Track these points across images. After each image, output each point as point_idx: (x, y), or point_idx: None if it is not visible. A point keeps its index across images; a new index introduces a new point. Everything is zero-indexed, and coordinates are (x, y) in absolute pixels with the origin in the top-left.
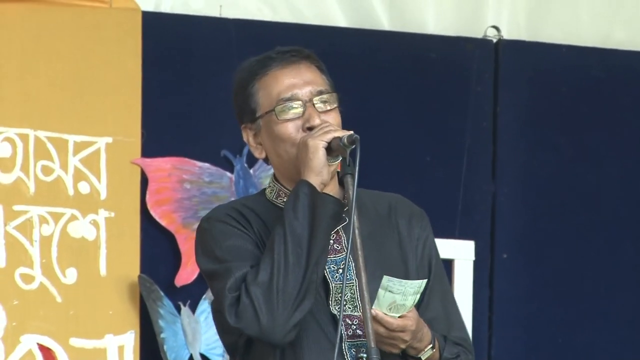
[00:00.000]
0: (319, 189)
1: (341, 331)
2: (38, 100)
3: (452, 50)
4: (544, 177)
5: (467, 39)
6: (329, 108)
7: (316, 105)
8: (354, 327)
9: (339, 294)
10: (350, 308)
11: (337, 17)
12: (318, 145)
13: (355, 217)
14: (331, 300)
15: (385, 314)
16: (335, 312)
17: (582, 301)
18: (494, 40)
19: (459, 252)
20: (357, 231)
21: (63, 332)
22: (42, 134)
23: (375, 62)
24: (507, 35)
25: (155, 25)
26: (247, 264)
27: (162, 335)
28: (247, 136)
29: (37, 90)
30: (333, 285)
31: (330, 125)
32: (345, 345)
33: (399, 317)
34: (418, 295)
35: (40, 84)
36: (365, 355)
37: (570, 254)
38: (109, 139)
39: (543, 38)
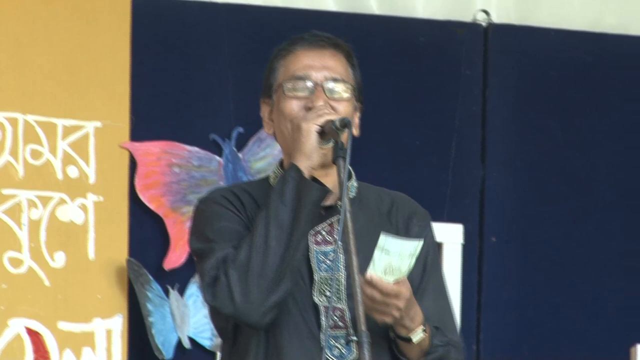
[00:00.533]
0: (308, 172)
1: (322, 321)
2: (28, 85)
3: (442, 34)
4: (533, 161)
5: (457, 23)
6: (340, 97)
7: (326, 90)
8: (336, 318)
9: (322, 284)
10: (334, 300)
11: (327, 1)
12: (310, 129)
13: (346, 200)
14: (315, 290)
15: (381, 279)
16: (318, 302)
17: (571, 285)
18: (484, 25)
19: (448, 235)
20: (348, 215)
21: (51, 315)
22: (31, 118)
23: (364, 46)
24: (496, 19)
25: (145, 10)
26: (230, 244)
27: (150, 319)
28: (264, 111)
29: (26, 75)
30: (318, 276)
31: (326, 108)
32: (324, 336)
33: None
34: (414, 259)
35: (30, 69)
36: (355, 338)
37: (559, 237)
38: (98, 123)
39: (532, 22)
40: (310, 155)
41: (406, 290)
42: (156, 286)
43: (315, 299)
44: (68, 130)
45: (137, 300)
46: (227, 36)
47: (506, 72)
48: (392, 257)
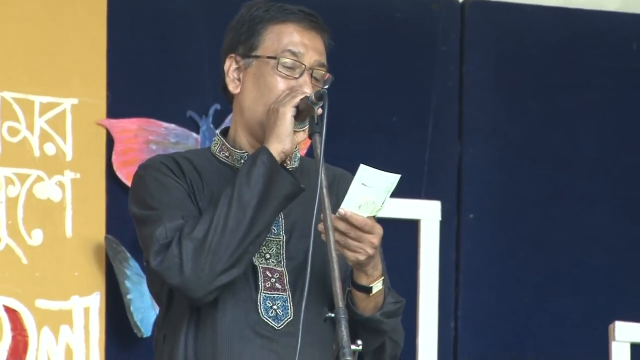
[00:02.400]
0: (279, 157)
1: (260, 282)
2: (4, 61)
3: (418, 10)
4: (510, 136)
5: None
6: (318, 83)
7: (314, 75)
8: (274, 280)
9: (263, 246)
10: (273, 262)
11: None
12: (286, 113)
13: (323, 175)
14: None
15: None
16: (257, 264)
17: (549, 262)
18: (460, 0)
19: (425, 212)
20: (325, 190)
21: (29, 293)
22: (8, 95)
23: (341, 23)
24: None
25: None
26: (178, 214)
27: (128, 296)
28: (229, 66)
29: (3, 52)
30: None
31: (301, 90)
32: (260, 297)
33: None
34: (389, 194)
35: (7, 45)
36: (332, 314)
37: (537, 214)
38: (75, 100)
39: None
40: (283, 140)
41: (380, 228)
42: (134, 263)
43: (255, 261)
44: (45, 107)
45: (115, 278)
46: (204, 12)
47: (483, 48)
48: (369, 190)
